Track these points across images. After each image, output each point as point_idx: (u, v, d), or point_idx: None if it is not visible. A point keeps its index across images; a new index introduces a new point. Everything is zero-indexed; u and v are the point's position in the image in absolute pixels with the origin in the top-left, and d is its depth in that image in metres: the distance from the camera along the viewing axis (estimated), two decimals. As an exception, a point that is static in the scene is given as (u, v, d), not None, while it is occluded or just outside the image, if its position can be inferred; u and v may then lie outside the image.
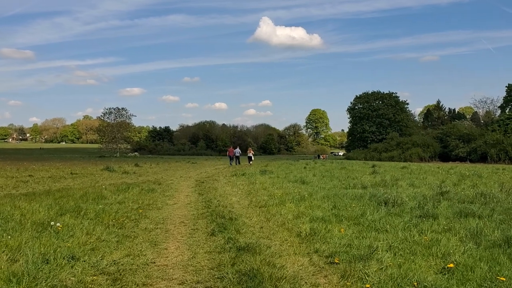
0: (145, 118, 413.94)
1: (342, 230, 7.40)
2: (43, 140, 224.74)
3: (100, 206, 10.35)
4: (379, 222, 7.83)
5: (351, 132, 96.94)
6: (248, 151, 41.54)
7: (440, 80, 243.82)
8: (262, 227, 8.14)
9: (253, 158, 40.55)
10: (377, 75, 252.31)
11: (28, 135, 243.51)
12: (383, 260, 5.43)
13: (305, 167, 28.92)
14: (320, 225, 7.74)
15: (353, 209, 9.28)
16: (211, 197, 12.91)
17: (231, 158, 39.86)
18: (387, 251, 5.91)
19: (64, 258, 5.56)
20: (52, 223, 7.50)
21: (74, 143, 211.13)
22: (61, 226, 7.44)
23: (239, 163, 39.71)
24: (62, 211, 9.31)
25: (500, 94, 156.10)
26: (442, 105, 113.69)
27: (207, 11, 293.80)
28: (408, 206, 9.75)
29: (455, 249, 5.90)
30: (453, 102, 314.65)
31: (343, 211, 9.19)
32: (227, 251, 6.21)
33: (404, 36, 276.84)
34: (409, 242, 6.39)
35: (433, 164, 48.66)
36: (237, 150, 41.06)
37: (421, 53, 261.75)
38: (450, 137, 71.50)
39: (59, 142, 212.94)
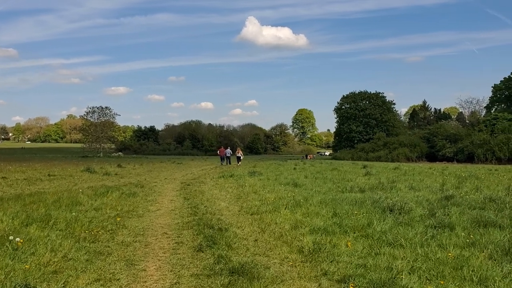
0: (130, 118, 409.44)
1: (349, 244, 6.43)
2: (26, 140, 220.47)
3: (74, 213, 9.24)
4: (390, 234, 6.87)
5: (338, 132, 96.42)
6: (237, 152, 41.48)
7: (425, 80, 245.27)
8: (256, 240, 7.12)
9: (241, 158, 40.49)
10: (363, 75, 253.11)
11: (10, 134, 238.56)
12: (410, 287, 4.45)
13: (294, 168, 27.95)
14: (324, 238, 6.76)
15: (357, 218, 8.31)
16: (198, 202, 11.86)
17: (222, 158, 40.38)
18: (410, 273, 4.95)
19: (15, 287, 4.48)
20: (11, 237, 6.39)
21: (58, 142, 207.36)
22: (21, 241, 6.32)
23: (229, 163, 39.66)
24: (29, 220, 8.17)
25: (484, 95, 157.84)
26: (428, 105, 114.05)
27: (194, 10, 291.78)
28: (416, 213, 8.82)
29: (492, 271, 4.95)
30: (438, 102, 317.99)
31: (346, 219, 8.22)
32: (218, 274, 5.17)
33: (390, 36, 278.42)
34: (432, 260, 5.44)
35: (423, 164, 48.14)
36: (228, 150, 41.33)
37: (407, 54, 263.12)
38: (437, 137, 71.48)
39: (42, 142, 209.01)
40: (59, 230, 7.63)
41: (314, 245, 6.33)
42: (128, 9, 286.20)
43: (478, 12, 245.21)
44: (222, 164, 38.27)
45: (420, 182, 16.85)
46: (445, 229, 7.21)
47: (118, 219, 9.02)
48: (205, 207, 10.98)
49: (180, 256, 6.17)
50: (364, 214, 8.65)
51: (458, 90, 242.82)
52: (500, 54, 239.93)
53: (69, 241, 6.71)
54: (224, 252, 6.14)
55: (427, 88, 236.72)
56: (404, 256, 5.65)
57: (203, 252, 6.31)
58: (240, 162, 38.82)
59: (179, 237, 7.49)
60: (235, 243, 6.78)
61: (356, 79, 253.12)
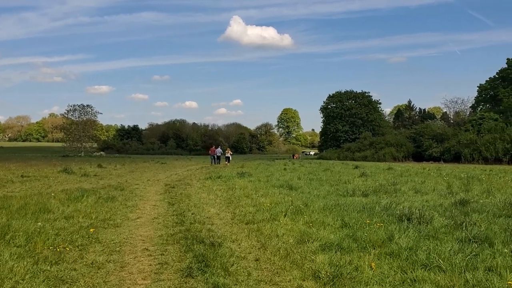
0: (114, 117, 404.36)
1: (373, 265, 5.21)
2: (7, 139, 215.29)
3: (39, 223, 7.87)
4: (421, 252, 5.67)
5: (324, 132, 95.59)
6: (227, 151, 41.75)
7: (409, 81, 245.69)
8: (258, 260, 5.85)
9: (231, 158, 40.95)
10: (347, 76, 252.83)
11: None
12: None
13: (285, 169, 26.69)
14: (341, 258, 5.54)
15: (372, 229, 7.11)
16: (184, 208, 10.53)
17: (213, 157, 40.69)
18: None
19: None
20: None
21: (40, 141, 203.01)
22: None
23: (219, 163, 40.01)
24: (-19, 233, 6.81)
25: (466, 95, 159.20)
26: (413, 104, 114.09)
27: (179, 9, 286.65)
28: (438, 223, 7.66)
29: None
30: (421, 102, 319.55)
31: (360, 231, 7.01)
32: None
33: (374, 37, 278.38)
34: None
35: (412, 164, 47.38)
36: (219, 150, 41.91)
37: (390, 54, 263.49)
38: (423, 137, 71.25)
39: (23, 141, 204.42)
40: (17, 247, 6.29)
41: (331, 267, 5.10)
42: (113, 7, 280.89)
43: (461, 14, 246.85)
44: (212, 164, 38.94)
45: (422, 184, 15.78)
46: (483, 245, 6.05)
47: (91, 230, 7.68)
48: (192, 214, 9.67)
49: (164, 285, 4.87)
50: (380, 224, 7.45)
51: (441, 90, 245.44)
52: (482, 55, 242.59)
53: (25, 263, 5.37)
54: (221, 278, 4.86)
55: (410, 89, 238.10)
56: (451, 285, 4.44)
57: (193, 277, 5.02)
58: (228, 162, 39.16)
59: (163, 255, 6.18)
60: (232, 264, 5.49)
61: (341, 79, 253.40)
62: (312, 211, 9.21)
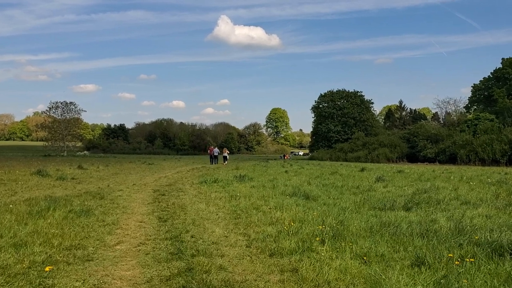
0: (100, 116, 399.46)
1: None
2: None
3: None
4: None
5: (315, 132, 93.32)
6: (224, 151, 42.47)
7: (395, 82, 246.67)
8: None
9: (228, 158, 41.65)
10: (334, 76, 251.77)
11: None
12: None
13: (286, 171, 24.14)
14: None
15: (469, 271, 4.74)
16: (180, 227, 8.03)
17: (211, 157, 41.22)
18: None
19: None
20: None
21: (24, 140, 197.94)
22: None
23: (216, 162, 40.61)
24: None
25: (453, 96, 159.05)
26: (404, 105, 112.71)
27: (167, 8, 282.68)
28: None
29: None
30: (408, 103, 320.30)
31: (451, 275, 4.63)
32: None
33: (361, 38, 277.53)
34: None
35: (413, 165, 45.32)
36: (216, 149, 42.73)
37: (376, 55, 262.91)
38: (417, 138, 69.79)
39: (7, 140, 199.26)
40: None
41: None
42: (99, 5, 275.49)
43: (447, 16, 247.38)
44: (212, 163, 39.39)
45: (455, 191, 13.49)
46: None
47: (46, 269, 5.19)
48: (192, 237, 7.20)
49: None
50: (470, 260, 5.08)
51: (427, 91, 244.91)
52: (468, 57, 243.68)
53: None
54: None
55: (397, 90, 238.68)
56: None
57: None
58: (226, 162, 39.56)
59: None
60: None
61: (328, 79, 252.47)
62: (353, 234, 6.82)
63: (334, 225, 7.51)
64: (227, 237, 7.28)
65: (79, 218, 8.73)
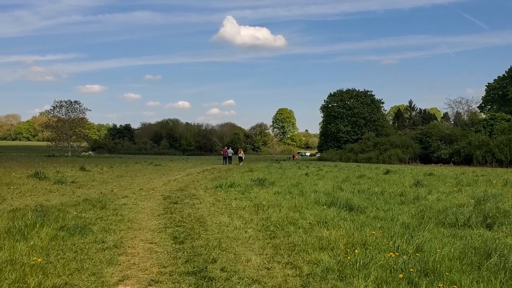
0: (105, 116, 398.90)
1: None
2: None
3: None
4: None
5: (324, 132, 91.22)
6: (239, 152, 42.28)
7: (400, 82, 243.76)
8: None
9: (243, 159, 41.30)
10: (339, 77, 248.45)
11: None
12: None
13: (306, 174, 22.11)
14: None
15: None
16: (204, 254, 6.09)
17: (224, 158, 40.71)
18: None
19: None
20: None
21: (30, 140, 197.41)
22: None
23: (230, 162, 40.38)
24: None
25: (459, 96, 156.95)
26: (414, 105, 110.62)
27: (173, 9, 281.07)
28: None
29: None
30: (415, 104, 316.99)
31: None
32: None
33: (366, 39, 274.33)
34: None
35: (429, 167, 43.15)
36: (230, 150, 42.57)
37: (382, 56, 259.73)
38: (430, 138, 67.51)
39: (13, 140, 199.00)
40: None
41: None
42: (106, 6, 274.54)
43: (454, 17, 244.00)
44: (224, 164, 39.00)
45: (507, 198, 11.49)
46: None
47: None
48: (222, 271, 5.27)
49: None
50: None
51: (433, 92, 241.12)
52: (475, 58, 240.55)
53: None
54: None
55: (403, 90, 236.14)
56: None
57: None
58: (241, 163, 39.17)
59: None
60: None
61: (333, 80, 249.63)
62: (449, 269, 4.88)
63: (411, 251, 5.57)
64: (269, 269, 5.35)
65: (72, 237, 6.84)
